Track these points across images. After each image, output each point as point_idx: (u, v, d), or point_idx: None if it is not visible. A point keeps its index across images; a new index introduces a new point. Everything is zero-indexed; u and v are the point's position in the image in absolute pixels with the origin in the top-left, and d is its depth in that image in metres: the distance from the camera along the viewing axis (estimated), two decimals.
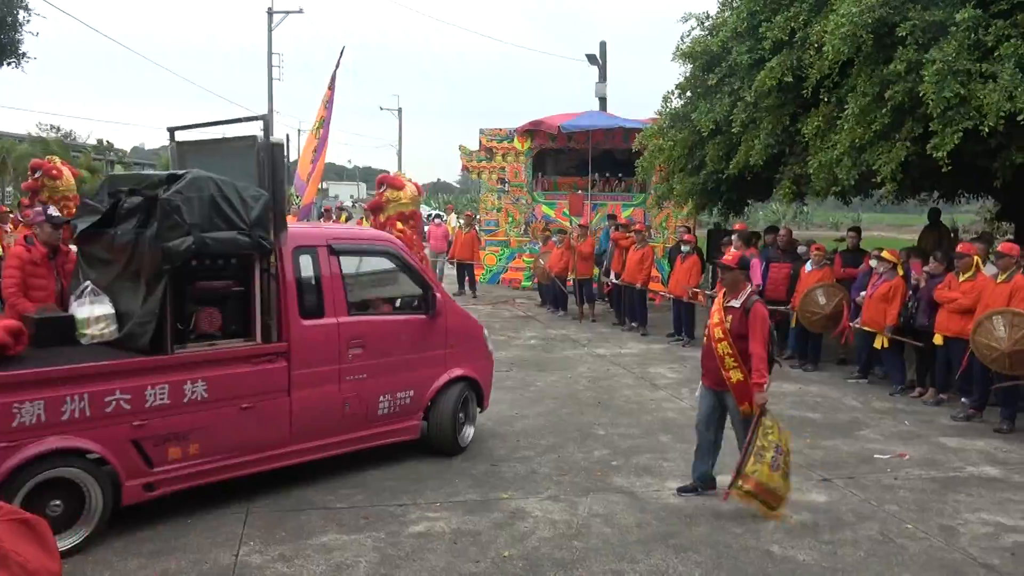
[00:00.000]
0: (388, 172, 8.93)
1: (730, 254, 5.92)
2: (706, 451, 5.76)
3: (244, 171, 5.57)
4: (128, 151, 41.60)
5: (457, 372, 6.63)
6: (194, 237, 4.98)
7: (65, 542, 4.45)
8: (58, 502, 4.57)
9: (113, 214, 5.51)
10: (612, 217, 15.77)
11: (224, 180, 5.30)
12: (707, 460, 5.75)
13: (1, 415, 4.35)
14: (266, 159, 5.56)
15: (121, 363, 4.90)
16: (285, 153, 6.01)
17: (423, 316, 6.43)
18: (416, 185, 9.49)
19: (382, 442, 6.22)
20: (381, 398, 6.13)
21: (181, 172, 5.31)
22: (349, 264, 6.09)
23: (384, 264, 6.55)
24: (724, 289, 5.77)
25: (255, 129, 6.08)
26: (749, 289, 5.69)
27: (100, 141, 35.46)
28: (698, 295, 11.75)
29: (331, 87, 11.43)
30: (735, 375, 5.47)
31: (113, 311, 5.30)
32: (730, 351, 5.50)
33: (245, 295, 5.42)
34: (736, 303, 5.57)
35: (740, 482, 5.27)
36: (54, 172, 13.12)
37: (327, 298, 5.82)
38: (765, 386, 5.39)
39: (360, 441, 6.07)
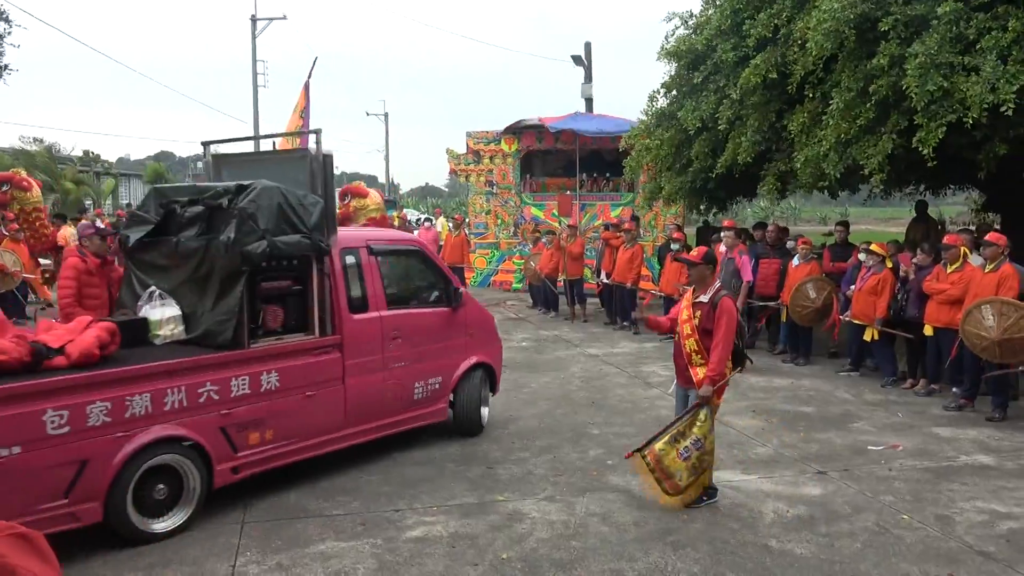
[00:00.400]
0: (360, 181, 9.29)
1: (696, 250, 5.87)
2: None
3: (291, 181, 5.99)
4: (114, 162, 41.34)
5: (475, 359, 7.26)
6: (268, 241, 5.47)
7: (169, 522, 5.04)
8: (162, 486, 5.01)
9: (166, 223, 5.94)
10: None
11: (287, 189, 5.78)
12: None
13: (117, 407, 4.77)
14: (319, 169, 6.09)
15: (211, 357, 5.34)
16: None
17: (448, 308, 7.02)
18: (379, 192, 9.81)
19: (417, 424, 6.80)
20: (416, 384, 6.70)
21: (249, 183, 5.69)
22: (384, 263, 6.66)
23: (413, 262, 7.19)
24: (692, 286, 5.74)
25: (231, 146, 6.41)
26: (718, 284, 5.61)
27: (86, 152, 35.23)
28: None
29: (306, 97, 11.72)
30: (702, 372, 5.42)
31: (180, 313, 5.69)
32: (697, 348, 5.47)
33: (302, 293, 5.92)
34: (704, 298, 5.51)
35: (645, 452, 5.33)
36: (24, 184, 13.01)
37: (370, 294, 6.37)
38: (718, 380, 5.32)
39: (399, 424, 6.62)
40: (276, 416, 5.59)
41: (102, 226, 7.17)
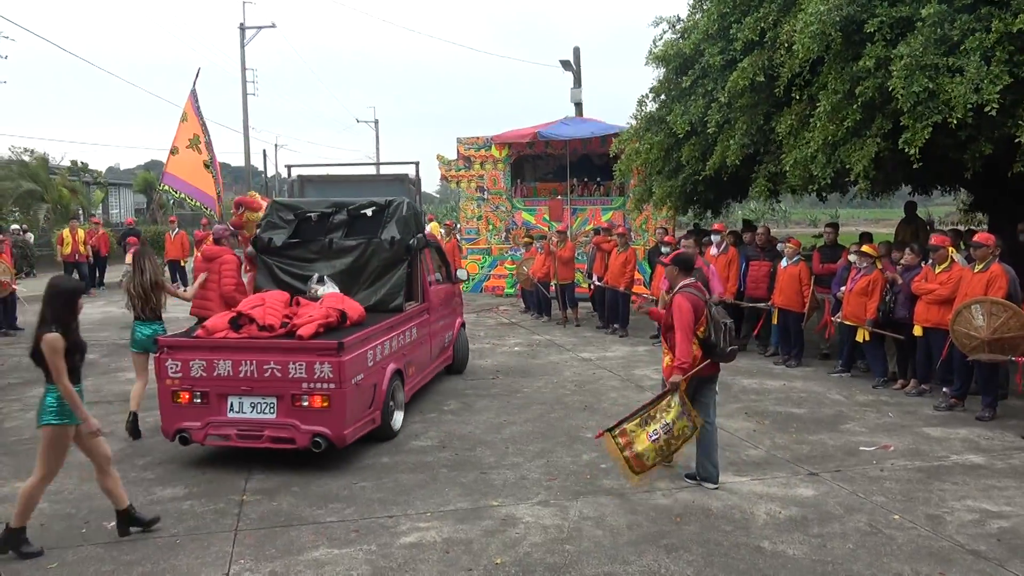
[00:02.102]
0: (254, 193, 10.42)
1: (672, 253, 6.49)
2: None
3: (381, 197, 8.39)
4: (103, 171, 40.98)
5: (460, 319, 10.25)
6: (416, 238, 8.16)
7: (396, 423, 7.36)
8: (391, 401, 7.24)
9: (300, 228, 8.13)
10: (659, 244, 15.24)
11: (412, 202, 8.41)
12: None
13: (382, 349, 7.03)
14: (415, 188, 9.20)
15: (401, 316, 7.75)
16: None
17: (450, 284, 9.90)
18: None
19: (443, 366, 9.51)
20: (446, 336, 9.51)
21: (394, 199, 8.26)
22: (431, 252, 9.18)
23: (435, 251, 9.56)
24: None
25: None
26: (685, 282, 5.89)
27: (74, 162, 34.92)
28: None
29: (196, 107, 12.39)
30: (666, 360, 5.96)
31: (339, 292, 7.65)
32: (664, 344, 6.07)
33: (411, 273, 8.20)
34: (668, 297, 6.03)
35: (616, 432, 5.60)
36: None
37: (431, 273, 8.98)
38: (686, 369, 5.62)
39: (440, 365, 9.33)
40: (414, 356, 8.06)
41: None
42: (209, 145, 12.40)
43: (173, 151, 12.59)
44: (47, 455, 4.83)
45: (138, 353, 7.55)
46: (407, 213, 8.10)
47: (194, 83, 12.79)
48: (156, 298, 7.45)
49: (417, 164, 9.19)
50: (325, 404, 6.21)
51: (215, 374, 6.35)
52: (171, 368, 6.43)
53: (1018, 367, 7.72)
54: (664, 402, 5.65)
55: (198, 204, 13.14)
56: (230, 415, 6.36)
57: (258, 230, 8.33)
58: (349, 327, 6.83)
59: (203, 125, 12.37)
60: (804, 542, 4.99)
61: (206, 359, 6.38)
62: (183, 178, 12.46)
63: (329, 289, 7.56)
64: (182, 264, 19.67)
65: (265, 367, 6.28)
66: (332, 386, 6.21)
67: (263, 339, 6.43)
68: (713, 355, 5.83)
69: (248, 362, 6.30)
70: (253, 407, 6.35)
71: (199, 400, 6.39)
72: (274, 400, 6.32)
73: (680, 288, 5.86)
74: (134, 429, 7.36)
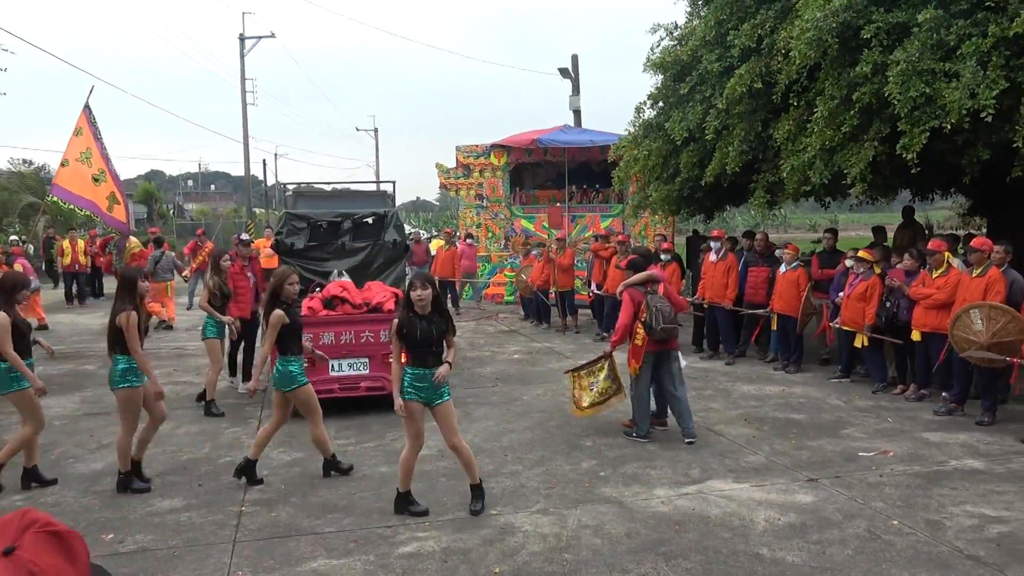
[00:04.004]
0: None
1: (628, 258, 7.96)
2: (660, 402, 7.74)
3: (364, 208, 10.07)
4: None
5: None
6: (406, 241, 10.06)
7: None
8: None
9: (313, 233, 9.57)
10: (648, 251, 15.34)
11: (396, 212, 10.12)
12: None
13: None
14: (391, 203, 10.66)
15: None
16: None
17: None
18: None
19: None
20: None
21: (389, 209, 10.07)
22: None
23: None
24: None
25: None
26: (631, 281, 7.42)
27: None
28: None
29: (90, 122, 12.73)
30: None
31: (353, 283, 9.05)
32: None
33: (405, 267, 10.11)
34: None
35: (576, 374, 7.61)
36: None
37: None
38: (615, 344, 7.45)
39: None
40: None
41: (244, 238, 10.31)
42: (106, 158, 12.90)
43: (64, 163, 12.94)
44: None
45: (215, 339, 8.78)
46: (400, 221, 10.01)
47: (87, 99, 13.19)
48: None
49: (394, 183, 11.19)
50: None
51: (321, 343, 7.92)
52: None
53: (1014, 368, 7.70)
54: (599, 364, 7.52)
55: (87, 213, 13.64)
56: (332, 373, 8.16)
57: (278, 236, 9.82)
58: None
59: (97, 139, 12.87)
60: (803, 549, 4.97)
61: (313, 332, 7.94)
62: (72, 190, 12.94)
63: (347, 282, 8.95)
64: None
65: (361, 335, 8.25)
66: None
67: (358, 315, 8.30)
68: (652, 335, 7.15)
69: (348, 332, 8.21)
70: (350, 366, 8.25)
71: (307, 364, 7.81)
72: (367, 359, 8.26)
73: (627, 284, 7.43)
74: (210, 411, 8.50)
